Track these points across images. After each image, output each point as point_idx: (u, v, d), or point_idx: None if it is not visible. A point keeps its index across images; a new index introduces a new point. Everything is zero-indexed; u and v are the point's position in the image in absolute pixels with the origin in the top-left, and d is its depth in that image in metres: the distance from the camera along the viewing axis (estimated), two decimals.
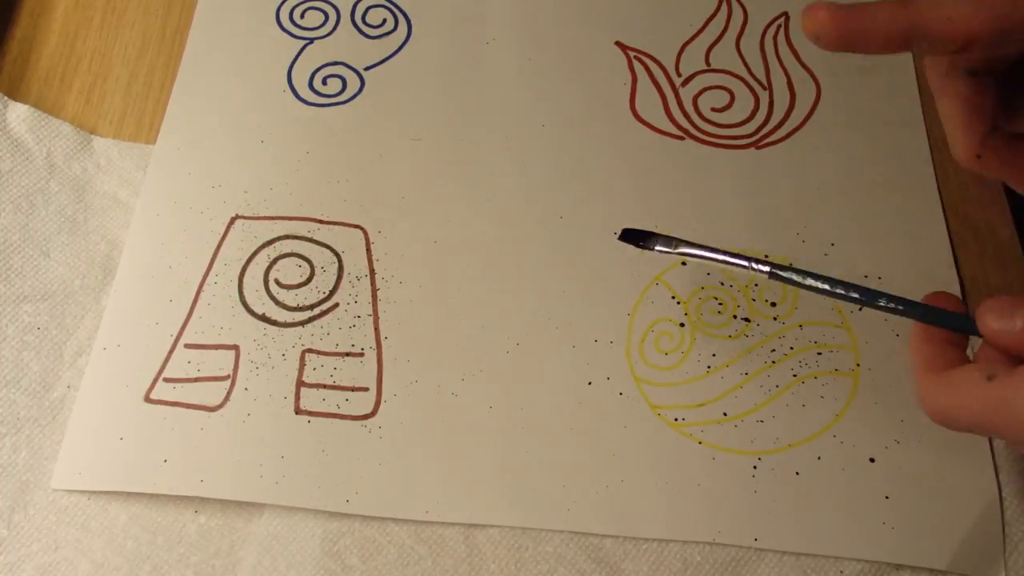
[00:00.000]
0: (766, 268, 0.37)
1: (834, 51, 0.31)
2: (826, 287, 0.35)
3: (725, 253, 0.38)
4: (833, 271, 0.47)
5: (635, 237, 0.42)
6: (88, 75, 0.52)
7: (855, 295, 0.35)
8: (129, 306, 0.45)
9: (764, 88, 0.53)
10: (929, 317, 0.34)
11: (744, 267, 0.38)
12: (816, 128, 0.52)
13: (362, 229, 0.48)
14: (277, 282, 0.46)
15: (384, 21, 0.55)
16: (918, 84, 0.53)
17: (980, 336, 0.32)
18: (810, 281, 0.36)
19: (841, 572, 0.40)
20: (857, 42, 0.30)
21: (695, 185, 0.50)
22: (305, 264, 0.47)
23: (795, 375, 0.44)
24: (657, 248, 0.41)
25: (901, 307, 0.34)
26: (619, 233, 0.43)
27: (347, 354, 0.44)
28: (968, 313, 0.33)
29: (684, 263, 0.47)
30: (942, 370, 0.32)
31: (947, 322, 0.33)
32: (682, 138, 0.52)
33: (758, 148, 0.51)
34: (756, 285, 0.47)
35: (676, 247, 0.40)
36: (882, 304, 0.34)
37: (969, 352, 0.34)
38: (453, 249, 0.47)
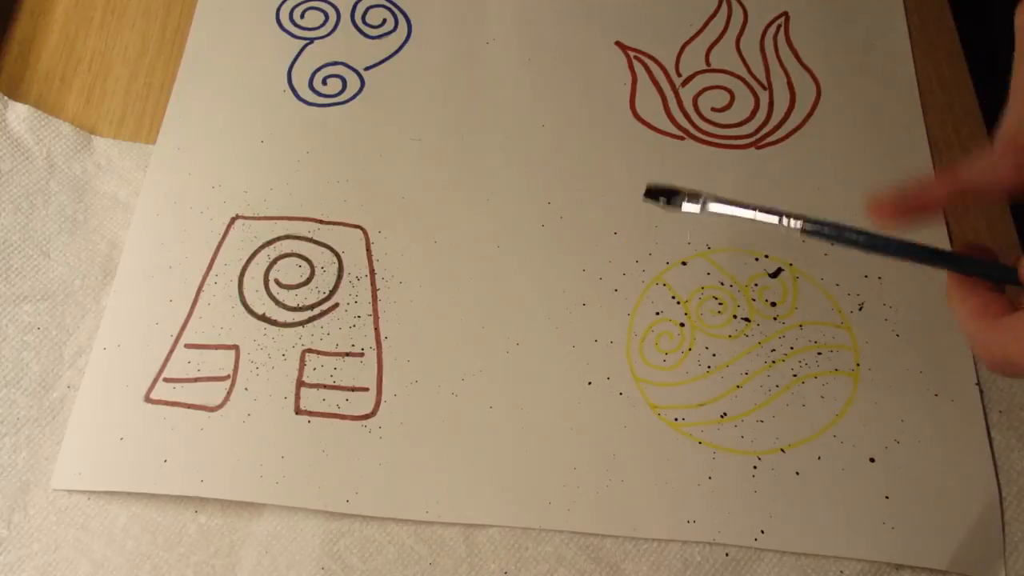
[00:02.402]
0: (798, 223, 0.35)
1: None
2: (862, 240, 0.34)
3: (756, 208, 0.36)
4: (833, 271, 0.47)
5: (660, 194, 0.39)
6: (88, 75, 0.52)
7: (893, 249, 0.34)
8: (129, 306, 0.45)
9: (764, 88, 0.53)
10: (972, 268, 0.34)
11: (774, 224, 0.36)
12: (816, 128, 0.52)
13: (362, 229, 0.48)
14: (277, 282, 0.46)
15: (384, 21, 0.55)
16: (918, 84, 0.53)
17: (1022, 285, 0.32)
18: (847, 235, 0.35)
19: (841, 572, 0.40)
20: (921, 217, 0.35)
21: (695, 185, 0.49)
22: (305, 264, 0.47)
23: (795, 375, 0.44)
24: (685, 206, 0.38)
25: (941, 260, 0.34)
26: (644, 191, 0.39)
27: (347, 354, 0.44)
28: (1002, 263, 0.33)
29: (684, 263, 0.47)
30: (994, 318, 0.32)
31: (991, 273, 0.33)
32: (682, 138, 0.52)
33: (758, 148, 0.51)
34: (756, 285, 0.47)
35: (704, 205, 0.37)
36: (921, 257, 0.34)
37: None
38: (453, 249, 0.47)
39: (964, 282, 0.34)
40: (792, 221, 0.35)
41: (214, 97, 0.51)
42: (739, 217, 0.36)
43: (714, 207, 0.37)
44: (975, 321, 0.33)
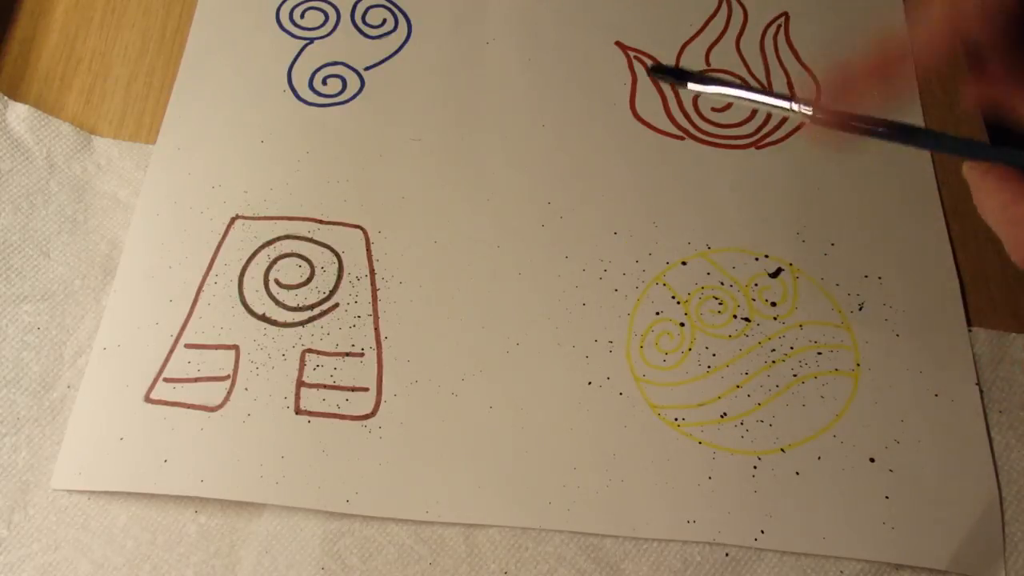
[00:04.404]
0: (809, 110, 0.33)
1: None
2: (883, 130, 0.32)
3: (765, 92, 0.34)
4: (833, 271, 0.47)
5: (665, 72, 0.37)
6: (88, 75, 0.52)
7: (917, 139, 0.32)
8: (129, 306, 0.45)
9: (764, 88, 0.53)
10: (1009, 156, 0.31)
11: (784, 108, 0.34)
12: (816, 128, 0.52)
13: (362, 229, 0.48)
14: (277, 282, 0.46)
15: (384, 21, 0.55)
16: (918, 84, 0.53)
17: None
18: (858, 123, 0.32)
19: (841, 572, 0.40)
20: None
21: (695, 185, 0.50)
22: (305, 264, 0.47)
23: (795, 375, 0.44)
24: (690, 86, 0.36)
25: (971, 149, 0.31)
26: (649, 67, 0.38)
27: (347, 354, 0.44)
28: None
29: (684, 263, 0.47)
30: None
31: None
32: (682, 138, 0.52)
33: (758, 148, 0.51)
34: (756, 285, 0.47)
35: (709, 84, 0.35)
36: (949, 147, 0.31)
37: None
38: (453, 249, 0.47)
39: (993, 172, 0.31)
40: (803, 107, 0.34)
41: (214, 97, 0.51)
42: (742, 100, 0.34)
43: (720, 89, 0.35)
44: (1008, 211, 0.30)
